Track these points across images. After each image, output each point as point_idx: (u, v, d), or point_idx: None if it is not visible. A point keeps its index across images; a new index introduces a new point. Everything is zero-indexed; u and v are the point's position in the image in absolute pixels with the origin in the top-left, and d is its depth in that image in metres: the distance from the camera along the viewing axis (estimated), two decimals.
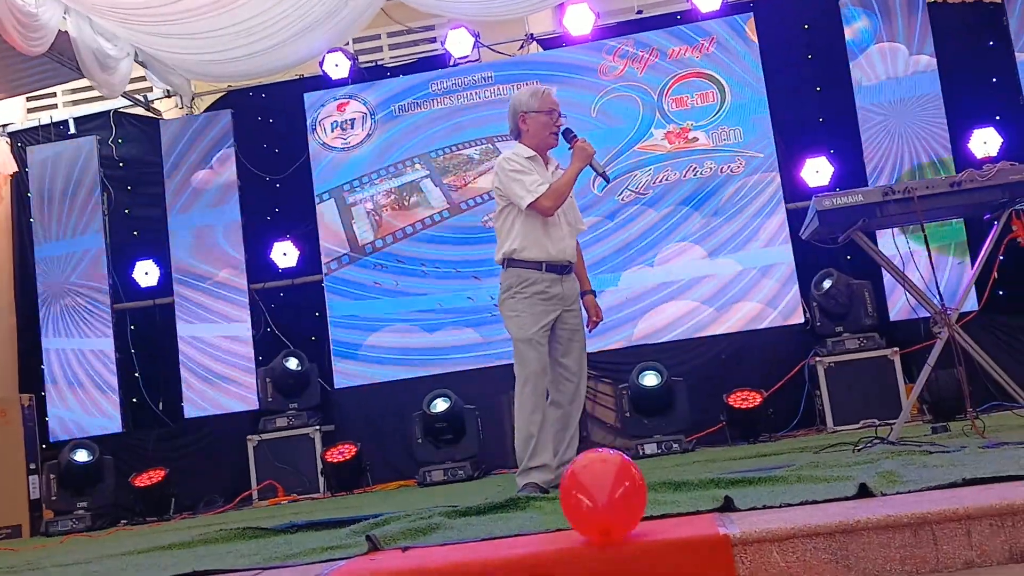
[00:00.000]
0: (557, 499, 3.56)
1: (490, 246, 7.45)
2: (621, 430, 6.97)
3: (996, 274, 5.51)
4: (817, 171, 7.32)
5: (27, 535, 6.92)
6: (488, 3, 7.48)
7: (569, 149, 4.42)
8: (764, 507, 2.75)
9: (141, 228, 8.34)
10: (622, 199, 7.59)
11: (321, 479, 7.10)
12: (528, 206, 4.27)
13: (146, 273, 8.11)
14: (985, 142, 7.07)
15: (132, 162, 8.44)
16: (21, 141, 8.50)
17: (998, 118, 7.17)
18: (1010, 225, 4.60)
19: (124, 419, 7.90)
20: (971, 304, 6.26)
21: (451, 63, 7.97)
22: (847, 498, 2.73)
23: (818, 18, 7.57)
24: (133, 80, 7.93)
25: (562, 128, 4.48)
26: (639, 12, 8.01)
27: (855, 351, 6.65)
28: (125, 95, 8.11)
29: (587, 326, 4.53)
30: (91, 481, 7.02)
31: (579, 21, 7.63)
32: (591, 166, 4.37)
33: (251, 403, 7.71)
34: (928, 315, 4.56)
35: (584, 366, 4.46)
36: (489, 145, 7.80)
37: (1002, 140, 7.05)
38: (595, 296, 4.62)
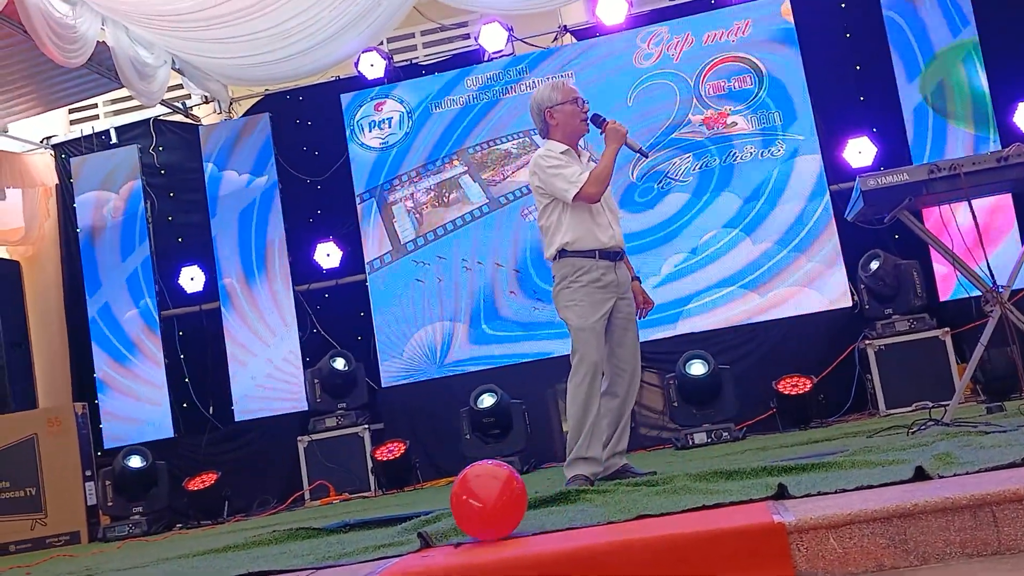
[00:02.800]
0: (607, 491, 3.56)
1: (530, 239, 7.51)
2: (670, 420, 6.92)
3: None
4: (860, 151, 7.20)
5: (85, 541, 7.03)
6: None
7: (601, 134, 4.39)
8: (819, 493, 2.72)
9: (185, 234, 8.43)
10: (662, 187, 7.54)
11: (371, 477, 7.14)
12: (574, 198, 4.25)
13: (192, 279, 8.20)
14: None
15: (173, 169, 8.52)
16: (64, 152, 8.63)
17: None
18: None
19: (175, 424, 8.01)
20: (1022, 281, 6.12)
21: (485, 58, 7.96)
22: (903, 482, 2.69)
23: None
24: (171, 88, 8.01)
25: (590, 114, 4.45)
26: None
27: (905, 333, 6.53)
28: (164, 103, 8.21)
29: (638, 313, 4.50)
30: (145, 486, 7.12)
31: (612, 10, 7.58)
32: (627, 145, 4.35)
33: (300, 404, 7.77)
34: (979, 294, 4.48)
35: (638, 355, 4.42)
36: (526, 139, 7.78)
37: None
38: (640, 282, 4.58)
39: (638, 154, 4.47)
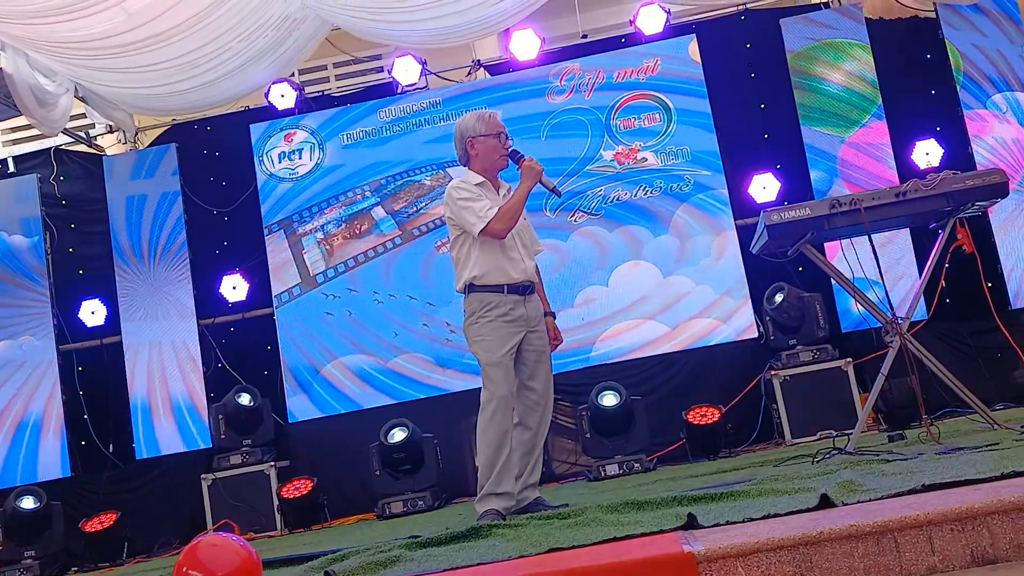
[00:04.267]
0: (519, 525, 3.54)
1: (444, 272, 7.48)
2: (582, 452, 6.93)
3: (943, 282, 5.58)
4: (764, 187, 7.39)
5: None
6: (433, 30, 7.47)
7: (517, 170, 4.42)
8: (727, 523, 2.74)
9: (86, 266, 8.17)
10: (574, 220, 7.60)
11: (278, 516, 6.97)
12: (480, 232, 4.25)
13: (92, 312, 7.93)
14: (927, 153, 7.19)
15: (75, 199, 8.26)
16: None
17: (938, 129, 7.31)
18: (954, 233, 4.67)
19: (72, 462, 7.69)
20: (920, 313, 6.33)
21: (399, 91, 7.95)
22: (809, 509, 2.73)
23: (759, 36, 7.67)
24: (74, 116, 7.79)
25: (509, 150, 4.48)
26: (584, 36, 8.05)
27: (809, 363, 6.68)
28: (66, 131, 7.97)
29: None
30: (39, 529, 6.81)
31: (525, 46, 7.65)
32: (541, 183, 4.37)
33: (204, 441, 7.56)
34: (879, 325, 4.60)
35: (551, 388, 4.44)
36: (439, 171, 7.78)
37: (943, 151, 7.18)
38: (554, 318, 4.61)
39: (551, 192, 4.51)
